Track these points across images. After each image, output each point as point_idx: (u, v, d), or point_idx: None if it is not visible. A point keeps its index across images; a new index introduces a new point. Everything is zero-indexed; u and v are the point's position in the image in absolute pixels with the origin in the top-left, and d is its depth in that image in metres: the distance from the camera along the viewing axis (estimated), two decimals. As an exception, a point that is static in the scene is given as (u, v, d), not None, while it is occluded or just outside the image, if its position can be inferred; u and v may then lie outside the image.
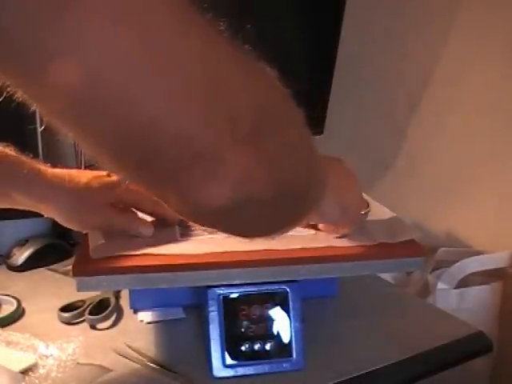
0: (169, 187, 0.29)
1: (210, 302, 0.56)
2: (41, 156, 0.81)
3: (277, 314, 0.58)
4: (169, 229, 0.61)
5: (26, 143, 0.54)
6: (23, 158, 0.55)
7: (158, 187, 0.30)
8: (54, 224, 0.94)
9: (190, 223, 0.60)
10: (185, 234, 0.59)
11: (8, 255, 0.86)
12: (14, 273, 0.84)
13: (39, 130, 0.79)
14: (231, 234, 0.36)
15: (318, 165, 0.34)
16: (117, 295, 0.74)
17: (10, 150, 0.55)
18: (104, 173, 0.59)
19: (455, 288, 1.00)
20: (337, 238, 0.60)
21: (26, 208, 0.57)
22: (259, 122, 0.28)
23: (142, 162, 0.28)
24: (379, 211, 0.69)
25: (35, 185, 0.55)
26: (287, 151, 0.30)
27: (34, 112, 0.29)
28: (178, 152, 0.26)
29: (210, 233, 0.59)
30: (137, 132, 0.25)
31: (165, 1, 0.24)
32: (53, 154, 0.85)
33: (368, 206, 0.62)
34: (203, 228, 0.60)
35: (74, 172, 0.59)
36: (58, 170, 0.58)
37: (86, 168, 0.62)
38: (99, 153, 0.29)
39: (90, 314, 0.68)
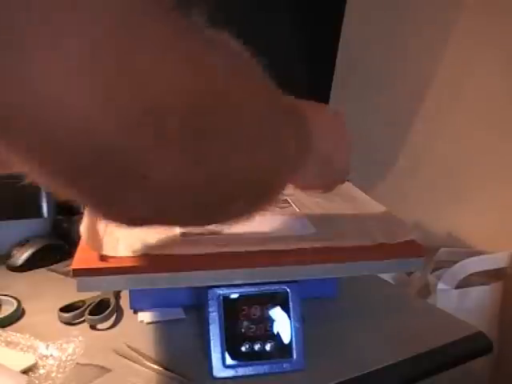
0: (95, 195, 0.25)
1: (210, 302, 0.56)
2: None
3: (277, 314, 0.58)
4: (170, 229, 0.61)
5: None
6: None
7: (84, 196, 0.26)
8: (54, 224, 0.94)
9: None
10: (185, 233, 0.59)
11: (8, 255, 0.86)
12: (14, 273, 0.84)
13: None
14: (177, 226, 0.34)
15: (290, 148, 0.31)
16: (117, 295, 0.74)
17: None
18: None
19: (455, 288, 1.00)
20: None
21: None
22: (189, 117, 0.23)
23: (67, 172, 0.24)
24: (377, 210, 0.69)
25: None
26: (227, 144, 0.26)
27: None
28: (100, 161, 0.22)
29: (211, 233, 0.59)
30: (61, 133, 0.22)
31: None
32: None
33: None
34: (204, 228, 0.60)
35: None
36: None
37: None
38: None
39: (90, 314, 0.68)
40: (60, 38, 0.20)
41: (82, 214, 0.63)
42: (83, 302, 0.70)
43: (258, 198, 0.32)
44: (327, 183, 0.56)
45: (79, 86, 0.21)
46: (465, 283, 1.00)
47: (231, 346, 0.57)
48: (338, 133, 0.52)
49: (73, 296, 0.69)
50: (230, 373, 0.57)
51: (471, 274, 1.01)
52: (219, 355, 0.56)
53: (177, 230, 0.60)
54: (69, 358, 0.58)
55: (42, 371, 0.57)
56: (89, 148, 0.22)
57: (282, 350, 0.58)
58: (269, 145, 0.30)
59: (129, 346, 0.62)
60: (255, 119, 0.28)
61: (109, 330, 0.67)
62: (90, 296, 0.71)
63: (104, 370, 0.58)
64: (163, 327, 0.67)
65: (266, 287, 0.58)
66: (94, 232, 0.58)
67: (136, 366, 0.59)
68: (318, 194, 0.61)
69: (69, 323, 0.68)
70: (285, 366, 0.58)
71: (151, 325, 0.68)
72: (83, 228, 0.58)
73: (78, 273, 0.52)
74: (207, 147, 0.25)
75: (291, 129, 0.34)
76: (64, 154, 0.22)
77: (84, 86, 0.21)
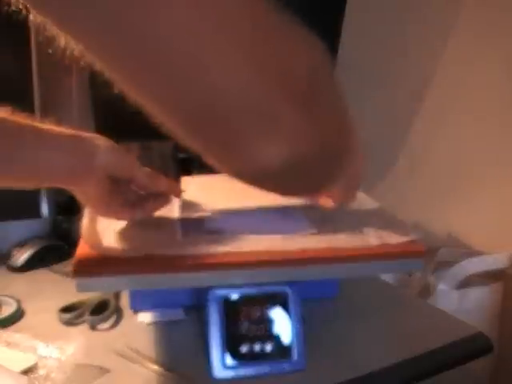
0: (229, 148, 0.31)
1: (210, 302, 0.56)
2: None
3: (277, 314, 0.58)
4: (170, 229, 0.61)
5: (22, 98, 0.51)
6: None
7: (218, 149, 0.32)
8: (54, 224, 0.94)
9: (191, 222, 0.60)
10: (186, 234, 0.59)
11: (8, 256, 0.86)
12: (14, 273, 0.84)
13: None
14: (275, 192, 0.39)
15: (355, 139, 0.37)
16: (117, 296, 0.74)
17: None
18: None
19: (456, 289, 1.00)
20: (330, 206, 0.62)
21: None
22: (310, 85, 0.29)
23: (208, 124, 0.29)
24: (377, 211, 0.69)
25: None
26: (333, 113, 0.33)
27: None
28: (240, 114, 0.28)
29: (211, 233, 0.59)
30: (204, 94, 0.27)
31: None
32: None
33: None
34: (204, 229, 0.60)
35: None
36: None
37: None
38: (167, 117, 0.30)
39: (90, 314, 0.67)
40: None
41: (82, 213, 0.63)
42: (83, 302, 0.70)
43: (341, 168, 0.38)
44: (345, 189, 0.58)
45: (238, 67, 0.26)
46: (465, 284, 1.00)
47: (231, 346, 0.57)
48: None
49: (73, 296, 0.69)
50: (230, 373, 0.57)
51: (471, 275, 1.01)
52: (219, 356, 0.56)
53: (178, 230, 0.60)
54: (69, 358, 0.58)
55: (42, 371, 0.57)
56: (249, 110, 0.28)
57: (282, 350, 0.58)
58: (348, 123, 0.35)
59: (129, 347, 0.62)
60: (338, 97, 0.33)
61: (109, 331, 0.67)
62: (90, 296, 0.71)
63: (104, 370, 0.58)
64: (163, 328, 0.67)
65: (266, 288, 0.58)
66: (93, 231, 0.58)
67: (136, 366, 0.59)
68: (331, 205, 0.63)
69: (69, 324, 0.68)
70: (285, 366, 0.58)
71: (151, 325, 0.68)
72: (83, 227, 0.58)
73: (77, 273, 0.52)
74: (320, 112, 0.31)
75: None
76: (229, 115, 0.28)
77: (246, 67, 0.26)
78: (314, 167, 0.34)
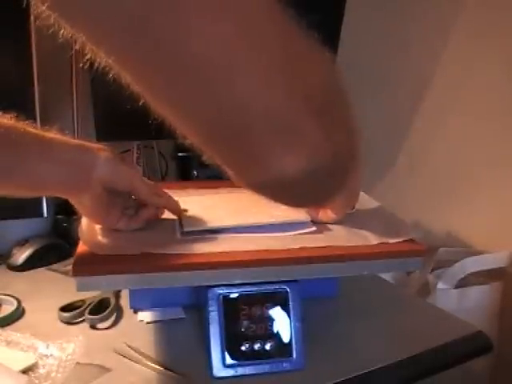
0: (250, 160, 0.32)
1: (210, 301, 0.56)
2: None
3: (277, 313, 0.58)
4: (169, 228, 0.61)
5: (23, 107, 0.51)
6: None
7: (240, 160, 0.33)
8: (54, 224, 0.94)
9: (189, 223, 0.60)
10: (185, 233, 0.59)
11: (8, 255, 0.86)
12: (14, 273, 0.84)
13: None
14: (287, 203, 0.40)
15: (359, 149, 0.38)
16: (117, 295, 0.74)
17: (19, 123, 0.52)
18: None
19: (455, 288, 1.00)
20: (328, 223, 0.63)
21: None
22: (326, 99, 0.31)
23: (232, 137, 0.30)
24: (377, 210, 0.69)
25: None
26: (345, 124, 0.34)
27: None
28: (264, 126, 0.29)
29: (211, 233, 0.59)
30: (232, 109, 0.28)
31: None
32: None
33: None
34: (203, 229, 0.60)
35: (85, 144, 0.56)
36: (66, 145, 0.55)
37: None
38: (192, 131, 0.31)
39: (90, 313, 0.68)
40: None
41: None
42: (83, 301, 0.70)
43: (346, 179, 0.39)
44: (344, 203, 0.61)
45: (269, 84, 0.28)
46: (464, 283, 1.01)
47: (231, 345, 0.57)
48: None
49: (73, 295, 0.69)
50: (229, 372, 0.57)
51: (471, 274, 1.01)
52: (219, 355, 0.56)
53: (177, 230, 0.60)
54: (69, 357, 0.58)
55: (42, 371, 0.57)
56: (274, 125, 0.29)
57: (282, 349, 0.58)
58: (355, 133, 0.36)
59: (129, 346, 0.62)
60: (348, 107, 0.35)
61: (109, 330, 0.67)
62: (90, 295, 0.71)
63: (104, 369, 0.58)
64: (163, 327, 0.67)
65: (266, 287, 0.58)
66: (91, 231, 0.58)
67: (136, 365, 0.59)
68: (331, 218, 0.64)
69: (69, 323, 0.68)
70: (285, 365, 0.58)
71: (151, 324, 0.68)
72: (81, 227, 0.58)
73: (77, 272, 0.52)
74: (335, 124, 0.33)
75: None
76: (256, 129, 0.29)
77: (275, 85, 0.28)
78: (326, 178, 0.35)
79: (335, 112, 0.33)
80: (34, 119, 0.80)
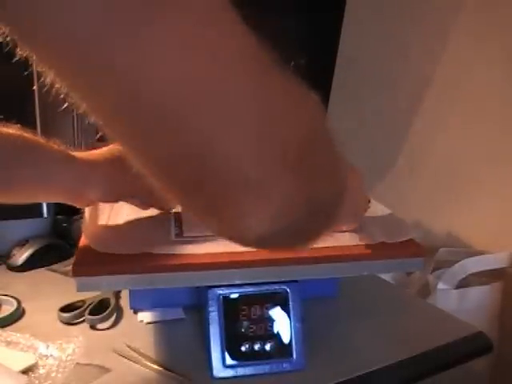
0: (213, 212, 0.29)
1: (210, 302, 0.56)
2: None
3: (277, 314, 0.58)
4: (164, 229, 0.60)
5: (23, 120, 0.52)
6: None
7: (204, 211, 0.30)
8: (54, 224, 0.94)
9: (188, 222, 0.60)
10: (179, 234, 0.59)
11: (8, 255, 0.86)
12: (14, 273, 0.84)
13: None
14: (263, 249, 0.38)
15: (346, 181, 0.35)
16: (117, 295, 0.74)
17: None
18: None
19: (455, 288, 0.99)
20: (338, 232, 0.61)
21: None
22: (303, 150, 0.28)
23: (192, 184, 0.27)
24: (377, 209, 0.69)
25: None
26: (323, 175, 0.31)
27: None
28: (227, 177, 0.26)
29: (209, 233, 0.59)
30: (192, 150, 0.25)
31: (234, 33, 0.25)
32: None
33: (369, 201, 0.63)
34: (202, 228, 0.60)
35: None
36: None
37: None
38: (150, 170, 0.28)
39: (90, 314, 0.67)
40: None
41: (82, 213, 0.63)
42: (83, 301, 0.70)
43: (331, 220, 0.36)
44: (350, 221, 0.60)
45: (235, 132, 0.25)
46: (465, 283, 1.00)
47: (231, 345, 0.57)
48: (356, 176, 0.54)
49: (73, 296, 0.69)
50: (229, 373, 0.57)
51: (471, 274, 1.01)
52: (219, 355, 0.56)
53: (172, 231, 0.60)
54: (69, 357, 0.58)
55: (41, 371, 0.57)
56: (239, 177, 0.26)
57: (282, 349, 0.58)
58: (338, 172, 0.34)
59: (129, 346, 0.62)
60: (331, 148, 0.32)
61: (109, 330, 0.67)
62: (90, 296, 0.71)
63: (104, 369, 0.58)
64: (163, 327, 0.67)
65: (266, 287, 0.58)
66: (95, 225, 0.58)
67: (136, 366, 0.59)
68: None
69: (69, 323, 0.68)
70: (285, 365, 0.58)
71: (151, 325, 0.68)
72: (85, 218, 0.58)
73: (77, 272, 0.52)
74: (310, 173, 0.29)
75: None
76: (218, 179, 0.26)
77: (243, 133, 0.25)
78: (300, 230, 0.32)
79: (315, 160, 0.30)
80: (35, 127, 0.80)
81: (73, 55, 0.22)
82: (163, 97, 0.23)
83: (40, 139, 0.53)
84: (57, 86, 0.25)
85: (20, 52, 0.25)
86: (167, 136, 0.25)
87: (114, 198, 0.59)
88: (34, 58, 0.24)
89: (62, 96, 0.26)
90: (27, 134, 0.52)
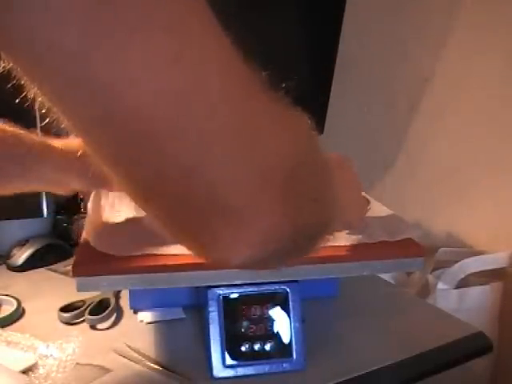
0: (190, 237, 0.29)
1: (210, 302, 0.56)
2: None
3: (277, 314, 0.58)
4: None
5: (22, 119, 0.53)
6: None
7: (180, 234, 0.30)
8: (54, 224, 0.94)
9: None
10: None
11: (8, 255, 0.86)
12: (14, 273, 0.84)
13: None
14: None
15: (336, 201, 0.34)
16: (117, 295, 0.74)
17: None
18: None
19: (455, 288, 0.99)
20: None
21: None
22: (288, 177, 0.27)
23: (173, 207, 0.27)
24: (377, 209, 0.69)
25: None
26: (311, 201, 0.30)
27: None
28: (203, 203, 0.25)
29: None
30: (169, 172, 0.25)
31: (219, 55, 0.24)
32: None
33: (369, 203, 0.62)
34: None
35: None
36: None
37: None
38: (130, 189, 0.27)
39: (90, 314, 0.68)
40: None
41: (82, 213, 0.63)
42: (83, 301, 0.70)
43: (319, 243, 0.36)
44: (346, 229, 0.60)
45: (218, 157, 0.24)
46: (464, 283, 1.00)
47: (231, 345, 0.57)
48: (351, 180, 0.54)
49: (73, 296, 0.69)
50: (229, 373, 0.57)
51: (471, 274, 1.01)
52: (219, 355, 0.56)
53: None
54: (69, 357, 0.58)
55: (41, 371, 0.57)
56: (220, 203, 0.26)
57: (282, 349, 0.58)
58: (329, 195, 0.33)
59: (129, 346, 0.62)
60: (321, 173, 0.31)
61: (109, 330, 0.67)
62: (90, 296, 0.71)
63: (104, 369, 0.58)
64: (163, 327, 0.67)
65: (266, 287, 0.58)
66: (96, 223, 0.58)
67: (136, 365, 0.59)
68: None
69: (69, 323, 0.68)
70: (285, 365, 0.58)
71: (151, 325, 0.68)
72: (88, 214, 0.58)
73: (77, 272, 0.52)
74: (297, 200, 0.28)
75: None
76: (199, 202, 0.25)
77: (226, 159, 0.24)
78: (287, 252, 0.32)
79: (302, 186, 0.29)
80: (35, 127, 0.80)
81: (50, 68, 0.21)
82: (138, 116, 0.22)
83: (19, 131, 0.54)
84: (39, 99, 0.25)
85: (3, 64, 0.24)
86: (141, 156, 0.24)
87: (96, 186, 0.60)
88: (18, 70, 0.23)
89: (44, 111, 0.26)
90: (5, 127, 0.52)
